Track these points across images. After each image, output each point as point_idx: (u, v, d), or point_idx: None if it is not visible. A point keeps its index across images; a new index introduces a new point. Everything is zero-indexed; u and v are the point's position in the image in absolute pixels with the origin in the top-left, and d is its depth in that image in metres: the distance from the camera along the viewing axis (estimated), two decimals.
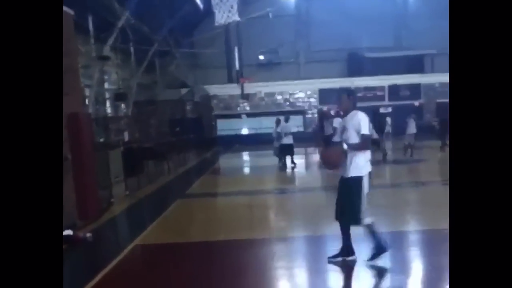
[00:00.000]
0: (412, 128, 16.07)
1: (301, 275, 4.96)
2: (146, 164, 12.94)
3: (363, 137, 4.63)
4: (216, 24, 16.36)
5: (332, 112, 13.46)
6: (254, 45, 29.79)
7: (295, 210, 8.54)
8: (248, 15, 22.50)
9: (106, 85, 21.50)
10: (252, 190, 10.77)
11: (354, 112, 4.79)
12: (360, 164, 4.66)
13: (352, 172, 4.65)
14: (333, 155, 4.88)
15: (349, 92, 4.97)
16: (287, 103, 30.31)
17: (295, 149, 14.57)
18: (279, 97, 30.36)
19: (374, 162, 5.24)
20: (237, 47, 28.02)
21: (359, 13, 28.83)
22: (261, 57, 30.98)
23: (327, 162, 5.10)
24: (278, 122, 15.02)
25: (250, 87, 28.19)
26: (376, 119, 15.88)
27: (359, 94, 24.24)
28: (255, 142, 25.14)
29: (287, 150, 14.29)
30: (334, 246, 5.01)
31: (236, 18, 15.96)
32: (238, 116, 30.34)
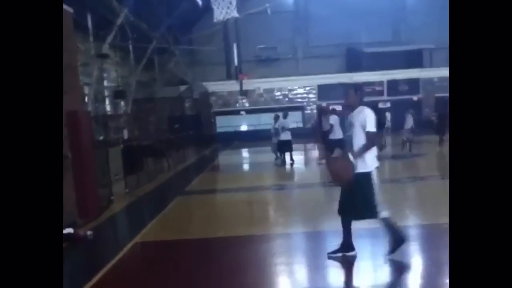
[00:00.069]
0: (409, 123, 16.10)
1: (301, 271, 4.96)
2: (145, 161, 12.93)
3: (368, 134, 4.58)
4: (215, 20, 16.35)
5: (331, 108, 13.46)
6: (253, 41, 29.77)
7: (295, 206, 8.55)
8: (246, 11, 22.46)
9: (105, 83, 21.46)
10: (252, 187, 10.76)
11: (361, 108, 4.73)
12: (368, 160, 4.61)
13: (361, 168, 4.57)
14: (341, 173, 4.64)
15: (356, 87, 4.88)
16: (286, 99, 30.30)
17: (294, 145, 14.53)
18: (278, 93, 30.33)
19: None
20: (236, 43, 27.97)
21: (357, 8, 28.84)
22: (260, 53, 30.96)
23: (337, 180, 4.79)
24: (276, 118, 14.95)
25: (249, 84, 28.12)
26: (375, 114, 15.85)
27: None
28: (254, 138, 25.08)
29: (286, 146, 14.23)
30: (334, 242, 5.01)
31: (235, 14, 15.94)
32: (237, 112, 30.33)
